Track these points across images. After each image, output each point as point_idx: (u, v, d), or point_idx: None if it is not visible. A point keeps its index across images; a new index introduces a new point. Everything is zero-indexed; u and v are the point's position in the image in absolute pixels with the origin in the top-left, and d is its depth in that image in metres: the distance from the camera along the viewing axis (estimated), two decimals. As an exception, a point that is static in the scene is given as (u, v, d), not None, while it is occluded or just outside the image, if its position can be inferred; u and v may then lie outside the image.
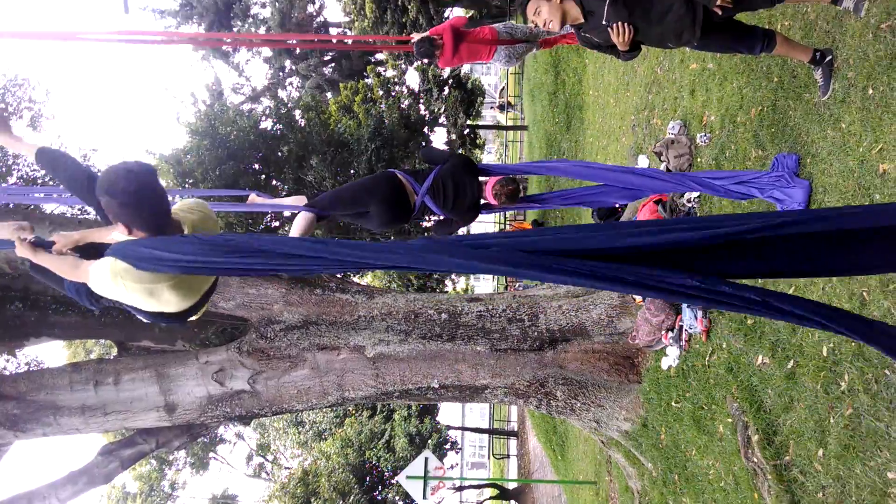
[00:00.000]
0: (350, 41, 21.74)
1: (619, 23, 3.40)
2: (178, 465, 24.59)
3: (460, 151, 22.25)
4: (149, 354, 7.19)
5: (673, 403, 5.58)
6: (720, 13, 3.33)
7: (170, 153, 16.60)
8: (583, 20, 3.52)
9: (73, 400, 6.56)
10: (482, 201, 4.47)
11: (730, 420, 4.61)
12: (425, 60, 6.58)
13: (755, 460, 4.23)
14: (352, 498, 18.87)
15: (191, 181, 16.25)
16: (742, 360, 4.57)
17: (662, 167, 6.15)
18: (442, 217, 4.36)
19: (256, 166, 17.20)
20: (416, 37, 6.09)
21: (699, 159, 5.71)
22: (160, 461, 23.36)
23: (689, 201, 5.72)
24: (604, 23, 3.42)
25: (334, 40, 16.14)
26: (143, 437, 7.22)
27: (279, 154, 17.12)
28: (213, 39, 16.10)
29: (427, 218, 4.45)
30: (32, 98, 16.65)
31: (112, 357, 8.09)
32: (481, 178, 4.41)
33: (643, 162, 7.26)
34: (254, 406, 6.68)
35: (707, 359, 5.13)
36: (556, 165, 4.44)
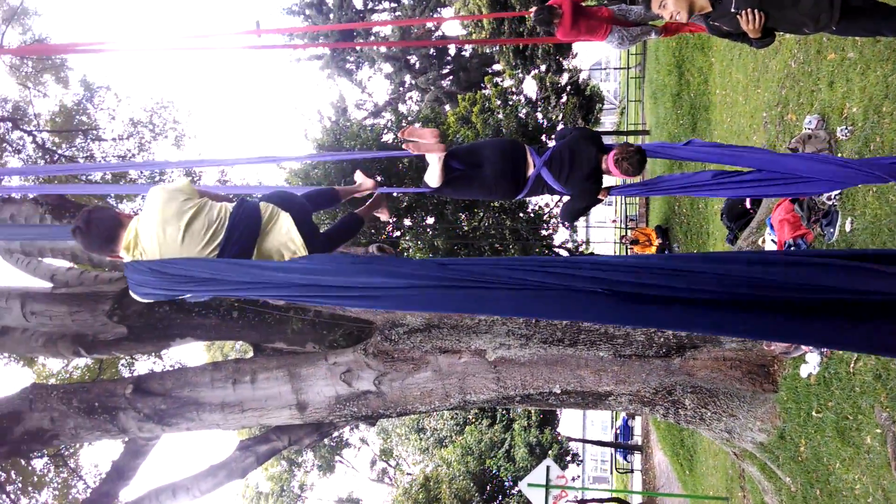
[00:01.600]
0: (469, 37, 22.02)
1: (749, 10, 3.27)
2: (307, 466, 25.60)
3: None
4: (281, 355, 7.55)
5: (814, 413, 5.25)
6: None
7: (298, 167, 17.41)
8: (710, 9, 3.41)
9: (213, 397, 6.99)
10: (602, 172, 4.05)
11: (878, 431, 4.28)
12: (543, 36, 6.46)
13: (909, 475, 3.91)
14: (472, 505, 18.94)
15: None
16: (892, 367, 4.24)
17: (798, 164, 5.82)
18: (563, 194, 4.10)
19: (379, 178, 17.74)
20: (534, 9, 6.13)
21: (840, 154, 5.36)
22: (290, 462, 24.39)
23: (829, 198, 5.38)
24: (732, 10, 3.31)
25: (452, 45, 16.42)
26: (277, 434, 7.59)
27: (399, 166, 17.57)
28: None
29: (542, 193, 4.19)
30: (176, 119, 17.99)
31: (248, 358, 8.58)
32: (605, 148, 4.05)
33: (776, 160, 6.90)
34: (379, 406, 6.86)
35: (851, 366, 4.79)
36: (694, 151, 3.94)
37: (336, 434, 22.23)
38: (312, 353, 7.63)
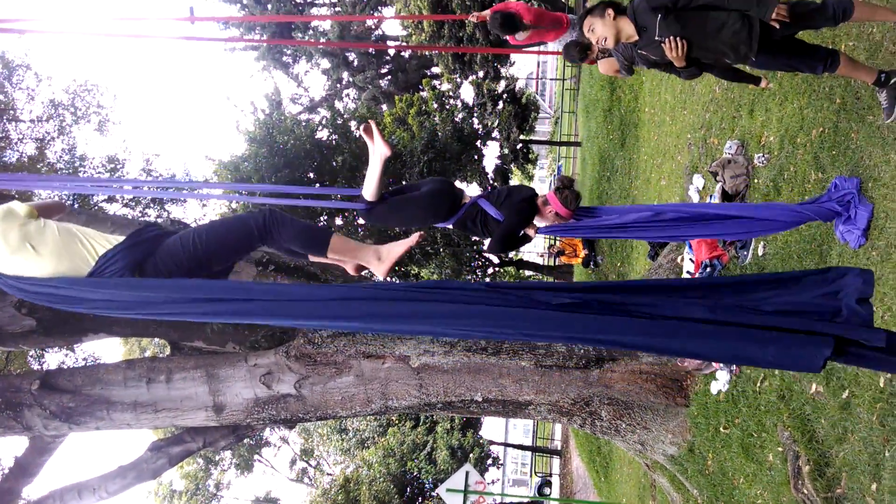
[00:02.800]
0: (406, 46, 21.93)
1: (672, 37, 3.37)
2: (224, 465, 25.05)
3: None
4: (200, 355, 7.35)
5: (721, 429, 5.45)
6: (777, 27, 3.28)
7: (228, 160, 17.01)
8: (637, 37, 3.50)
9: (126, 396, 6.75)
10: (536, 207, 4.04)
11: (780, 449, 4.48)
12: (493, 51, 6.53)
13: (805, 492, 4.10)
14: (391, 508, 18.91)
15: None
16: (795, 388, 4.45)
17: (718, 187, 6.04)
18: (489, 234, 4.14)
19: (311, 175, 17.50)
20: (485, 13, 6.15)
21: (756, 180, 5.59)
22: (206, 460, 23.81)
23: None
24: (657, 38, 3.40)
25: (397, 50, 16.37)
26: (191, 435, 7.37)
27: (333, 163, 17.39)
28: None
29: (476, 228, 4.18)
30: (101, 103, 17.32)
31: (165, 356, 8.31)
32: (539, 197, 4.08)
33: (698, 182, 7.15)
34: (299, 410, 6.76)
35: (758, 385, 5.00)
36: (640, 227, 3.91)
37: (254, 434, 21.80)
38: (232, 353, 7.46)
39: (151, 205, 16.40)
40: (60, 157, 16.69)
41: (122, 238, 2.70)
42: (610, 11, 3.43)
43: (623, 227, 3.91)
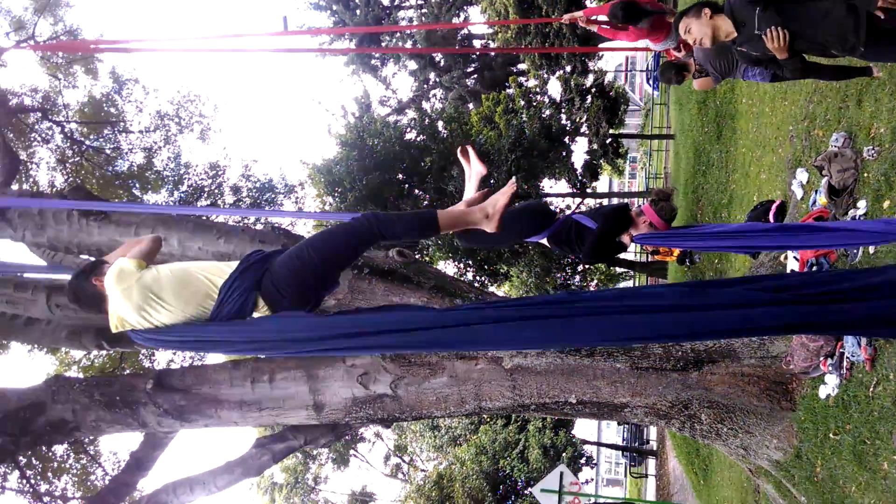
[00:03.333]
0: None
1: (773, 28, 3.25)
2: (321, 459, 25.82)
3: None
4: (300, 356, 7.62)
5: (831, 435, 5.21)
6: (883, 16, 3.11)
7: (321, 163, 17.51)
8: (735, 34, 3.40)
9: (232, 395, 7.07)
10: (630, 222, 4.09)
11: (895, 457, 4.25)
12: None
13: (926, 504, 3.88)
14: (485, 505, 18.99)
15: (339, 190, 17.08)
16: (912, 394, 4.21)
17: (824, 182, 5.77)
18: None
19: (400, 176, 17.80)
20: (577, 14, 6.10)
21: (866, 174, 5.31)
22: (305, 455, 24.60)
23: (853, 219, 5.33)
24: (756, 31, 3.29)
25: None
26: (293, 433, 7.65)
27: (422, 164, 17.62)
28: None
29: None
30: (203, 113, 18.19)
31: (267, 357, 8.65)
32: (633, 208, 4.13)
33: (802, 176, 6.84)
34: (395, 410, 6.90)
35: (871, 389, 4.76)
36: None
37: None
38: (330, 354, 7.69)
39: (251, 209, 17.07)
40: (167, 164, 17.66)
41: (233, 264, 2.82)
42: (706, 10, 3.34)
43: (721, 235, 3.80)
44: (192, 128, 18.16)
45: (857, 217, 5.31)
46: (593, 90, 22.36)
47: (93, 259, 2.98)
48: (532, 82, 23.88)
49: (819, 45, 3.40)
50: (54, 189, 14.40)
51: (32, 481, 12.75)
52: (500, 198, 2.95)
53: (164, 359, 15.52)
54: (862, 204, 5.25)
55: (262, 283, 2.71)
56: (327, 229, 2.92)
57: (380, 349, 2.61)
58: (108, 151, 17.26)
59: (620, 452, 37.02)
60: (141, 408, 7.05)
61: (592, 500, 22.86)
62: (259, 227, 14.82)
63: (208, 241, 7.05)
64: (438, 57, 26.63)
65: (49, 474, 13.13)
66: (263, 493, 26.03)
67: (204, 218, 8.28)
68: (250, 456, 7.66)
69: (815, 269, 5.58)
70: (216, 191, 17.76)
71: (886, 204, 4.85)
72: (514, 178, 3.08)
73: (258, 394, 6.98)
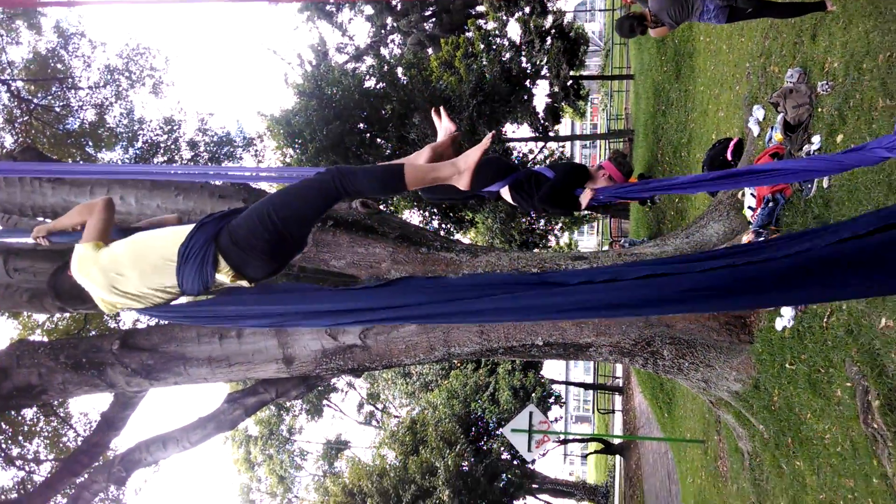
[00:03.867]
0: None
1: None
2: (295, 411, 26.04)
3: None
4: (267, 310, 7.61)
5: (787, 365, 5.41)
6: None
7: (279, 115, 17.17)
8: None
9: (200, 352, 7.06)
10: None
11: (849, 384, 4.43)
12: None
13: (875, 426, 4.07)
14: (458, 447, 19.38)
15: (300, 141, 16.81)
16: (863, 323, 4.37)
17: (779, 118, 5.84)
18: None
19: (361, 125, 17.55)
20: None
21: (820, 109, 5.39)
22: (278, 407, 24.77)
23: (808, 154, 5.42)
24: None
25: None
26: (264, 386, 7.69)
27: (383, 112, 17.38)
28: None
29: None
30: (154, 66, 17.60)
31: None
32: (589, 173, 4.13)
33: (758, 113, 6.92)
34: (365, 360, 6.97)
35: (825, 320, 4.93)
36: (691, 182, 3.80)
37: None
38: (298, 307, 7.69)
39: (209, 164, 16.74)
40: (119, 121, 17.15)
41: (188, 227, 2.74)
42: None
43: (673, 185, 3.83)
44: (143, 82, 17.58)
45: (811, 152, 5.41)
46: (553, 31, 22.09)
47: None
48: (491, 25, 23.50)
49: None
50: (4, 150, 13.92)
51: (3, 446, 12.68)
52: (473, 154, 2.78)
53: (129, 318, 15.37)
54: (816, 139, 5.34)
55: (220, 238, 2.65)
56: (290, 186, 2.78)
57: (404, 320, 2.59)
58: (57, 109, 16.67)
59: (590, 390, 37.97)
60: (108, 368, 7.01)
61: (561, 437, 23.51)
62: (219, 182, 14.58)
63: (167, 198, 6.92)
64: (395, 0, 26.02)
65: (20, 438, 13.06)
66: (238, 445, 26.26)
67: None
68: (222, 411, 7.70)
69: (770, 204, 5.70)
70: (172, 146, 17.33)
71: (840, 138, 4.95)
72: (490, 133, 2.99)
73: (227, 349, 6.98)
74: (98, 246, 2.74)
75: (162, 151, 16.94)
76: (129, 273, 2.67)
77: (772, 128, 6.15)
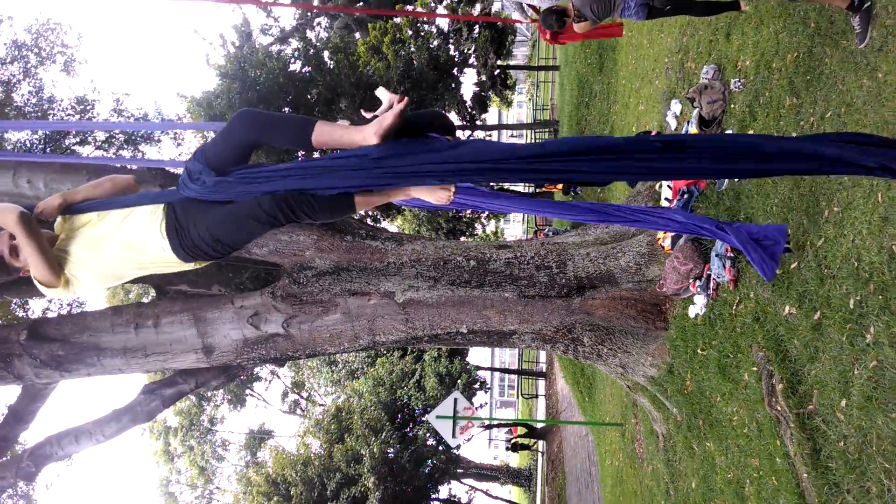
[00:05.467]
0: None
1: None
2: (217, 401, 25.50)
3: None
4: (186, 298, 7.41)
5: (699, 351, 5.64)
6: None
7: (200, 96, 16.67)
8: None
9: (114, 342, 6.81)
10: None
11: (755, 369, 4.65)
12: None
13: (779, 408, 4.29)
14: (384, 434, 19.42)
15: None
16: (769, 310, 4.59)
17: (695, 113, 6.05)
18: None
19: (286, 109, 17.22)
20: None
21: (733, 105, 5.61)
22: (199, 397, 24.20)
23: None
24: None
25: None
26: (183, 377, 7.49)
27: (308, 97, 17.11)
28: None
29: None
30: (65, 42, 16.76)
31: (150, 300, 8.34)
32: None
33: (676, 107, 7.14)
34: (288, 349, 6.88)
35: (734, 308, 5.15)
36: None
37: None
38: (218, 295, 7.51)
39: (125, 146, 16.12)
40: (28, 100, 16.26)
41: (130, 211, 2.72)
42: None
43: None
44: (54, 59, 16.70)
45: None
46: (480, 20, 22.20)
47: None
48: (420, 8, 23.44)
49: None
50: None
51: None
52: (388, 117, 2.58)
53: (38, 307, 14.69)
54: (729, 133, 5.56)
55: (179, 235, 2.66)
56: (214, 141, 2.70)
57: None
58: (-43, 85, 15.68)
59: (514, 376, 38.63)
60: (15, 360, 6.68)
61: (486, 422, 23.85)
62: (134, 167, 14.07)
63: (78, 182, 6.62)
64: (322, -17, 25.56)
65: (-84, 435, 12.29)
66: (157, 437, 25.55)
67: (68, 153, 7.77)
68: (139, 402, 7.47)
69: (686, 196, 5.90)
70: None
71: (751, 133, 5.16)
72: (405, 98, 2.72)
73: (143, 339, 6.76)
74: (66, 281, 2.73)
75: (73, 134, 16.17)
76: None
77: (688, 122, 6.36)
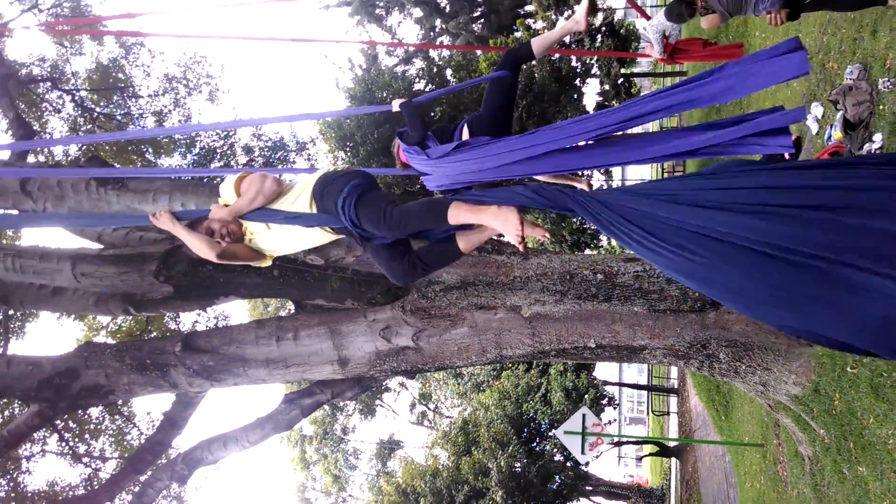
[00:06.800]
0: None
1: (772, 14, 3.48)
2: (349, 410, 26.37)
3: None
4: (322, 312, 7.77)
5: (848, 369, 5.28)
6: None
7: (331, 119, 17.41)
8: None
9: (258, 353, 7.25)
10: None
11: (913, 389, 4.31)
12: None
13: (942, 433, 3.95)
14: (510, 448, 19.35)
15: (350, 144, 17.04)
16: (929, 326, 4.24)
17: (839, 116, 5.71)
18: None
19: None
20: None
21: (882, 107, 5.24)
22: (333, 407, 25.14)
23: (869, 153, 5.28)
24: None
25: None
26: (320, 387, 7.85)
27: (432, 115, 17.49)
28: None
29: None
30: (210, 74, 18.08)
31: (290, 314, 8.81)
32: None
33: (817, 111, 6.76)
34: (418, 361, 7.05)
35: (888, 323, 4.79)
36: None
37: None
38: (352, 309, 7.82)
39: (264, 167, 17.11)
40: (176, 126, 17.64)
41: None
42: None
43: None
44: (200, 89, 18.09)
45: (872, 150, 5.27)
46: (603, 29, 21.89)
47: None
48: (540, 24, 23.42)
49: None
50: (69, 158, 14.49)
51: (71, 443, 13.21)
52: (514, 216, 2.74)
53: (188, 320, 15.83)
54: (878, 137, 5.20)
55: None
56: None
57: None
58: (119, 117, 17.27)
59: (643, 391, 37.44)
60: (171, 369, 7.26)
61: (616, 439, 23.25)
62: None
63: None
64: (443, 2, 26.13)
65: (87, 436, 13.58)
66: (294, 445, 26.72)
67: (218, 180, 8.35)
68: (279, 411, 7.89)
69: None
70: (228, 152, 17.78)
71: (902, 136, 4.81)
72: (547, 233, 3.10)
73: (284, 351, 7.15)
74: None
75: (219, 157, 17.39)
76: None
77: (831, 126, 6.01)
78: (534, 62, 18.33)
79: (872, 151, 5.21)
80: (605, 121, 3.03)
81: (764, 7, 4.91)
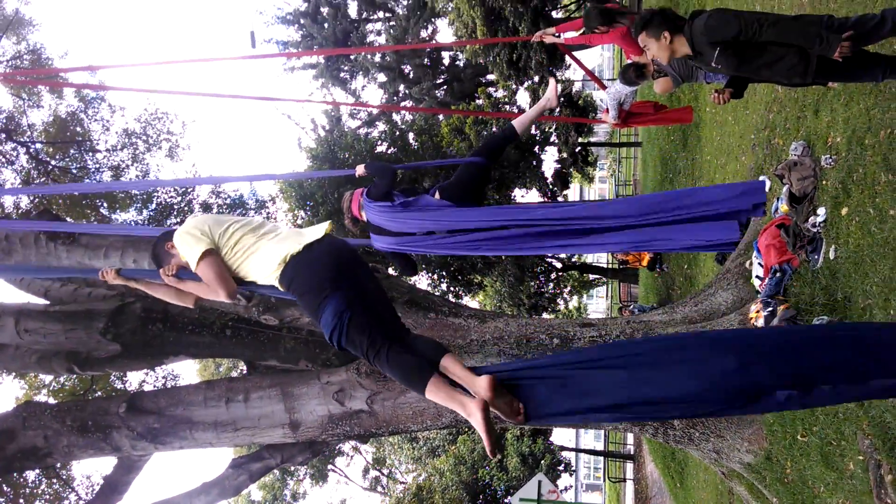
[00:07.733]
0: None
1: (717, 94, 3.68)
2: (299, 475, 25.56)
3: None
4: (275, 373, 7.61)
5: (799, 437, 5.34)
6: (841, 60, 3.25)
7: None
8: (692, 54, 3.53)
9: (206, 415, 7.03)
10: None
11: (861, 458, 4.37)
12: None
13: (889, 501, 4.00)
14: (465, 516, 18.96)
15: (311, 203, 17.05)
16: (874, 396, 4.33)
17: (784, 190, 5.93)
18: None
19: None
20: (548, 30, 6.13)
21: (825, 182, 5.47)
22: (283, 472, 24.33)
23: (813, 226, 5.48)
24: (714, 64, 3.46)
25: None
26: (270, 452, 7.63)
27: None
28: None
29: None
30: (171, 130, 18.02)
31: (241, 374, 8.60)
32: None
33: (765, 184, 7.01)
34: (371, 426, 6.91)
35: (835, 392, 4.88)
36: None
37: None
38: (305, 371, 7.68)
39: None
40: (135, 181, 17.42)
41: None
42: (666, 34, 3.44)
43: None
44: (160, 145, 17.98)
45: (817, 223, 5.47)
46: (561, 100, 22.57)
47: None
48: (501, 93, 24.07)
49: (766, 78, 3.63)
50: (20, 211, 14.16)
51: (3, 509, 12.48)
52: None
53: (136, 380, 15.32)
54: (822, 211, 5.41)
55: None
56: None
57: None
58: (74, 171, 17.02)
59: (600, 457, 37.18)
60: (114, 432, 6.98)
61: (571, 506, 22.93)
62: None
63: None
64: (407, 69, 26.71)
65: (21, 501, 12.86)
66: (241, 511, 25.71)
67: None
68: (227, 476, 7.62)
69: (778, 275, 5.72)
70: (185, 208, 17.60)
71: (845, 211, 5.01)
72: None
73: (233, 414, 6.95)
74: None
75: (175, 213, 17.18)
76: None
77: (777, 199, 6.23)
78: (494, 128, 18.74)
79: (817, 224, 5.41)
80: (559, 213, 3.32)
81: (712, 77, 5.13)
